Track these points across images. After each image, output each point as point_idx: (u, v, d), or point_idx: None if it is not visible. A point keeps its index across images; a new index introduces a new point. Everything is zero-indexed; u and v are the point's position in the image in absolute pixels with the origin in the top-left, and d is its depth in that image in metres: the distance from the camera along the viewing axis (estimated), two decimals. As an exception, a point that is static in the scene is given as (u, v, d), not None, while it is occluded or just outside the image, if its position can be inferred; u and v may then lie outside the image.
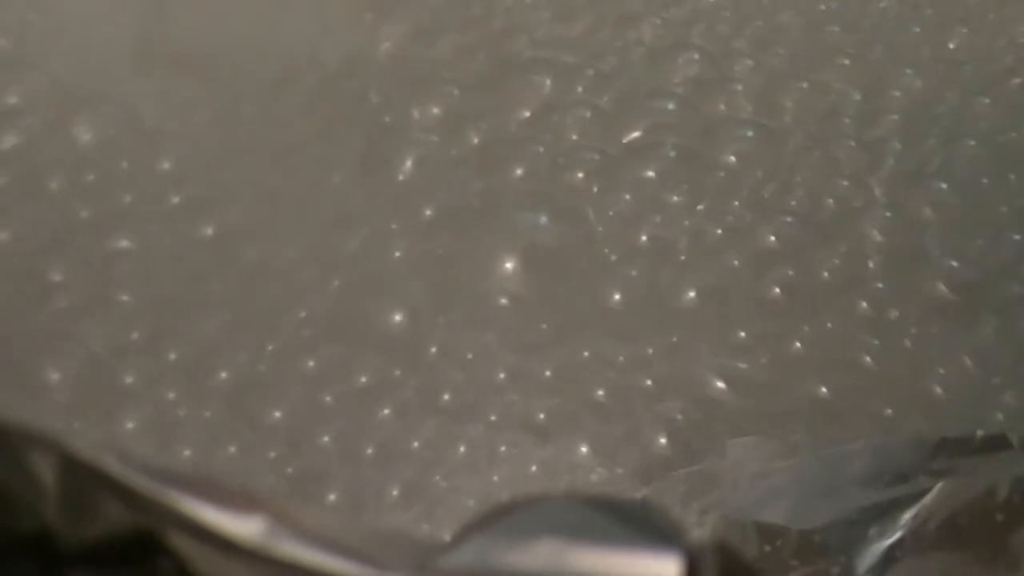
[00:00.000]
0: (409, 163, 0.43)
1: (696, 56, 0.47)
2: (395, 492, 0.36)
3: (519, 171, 0.44)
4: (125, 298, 0.40)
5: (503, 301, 0.41)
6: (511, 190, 0.43)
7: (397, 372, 0.39)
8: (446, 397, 0.39)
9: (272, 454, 0.37)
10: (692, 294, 0.42)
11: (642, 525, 0.20)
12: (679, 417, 0.39)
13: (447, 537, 0.20)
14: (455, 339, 0.40)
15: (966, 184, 0.45)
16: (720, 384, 0.39)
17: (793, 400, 0.39)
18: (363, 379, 0.39)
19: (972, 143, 0.46)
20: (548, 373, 0.40)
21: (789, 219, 0.43)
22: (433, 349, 0.40)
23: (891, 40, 0.49)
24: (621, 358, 0.40)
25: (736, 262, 0.42)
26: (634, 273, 0.42)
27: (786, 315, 0.41)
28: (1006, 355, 0.40)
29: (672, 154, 0.44)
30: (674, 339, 0.41)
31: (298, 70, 0.46)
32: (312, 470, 0.37)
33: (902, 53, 0.49)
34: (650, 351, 0.40)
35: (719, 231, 0.43)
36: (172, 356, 0.38)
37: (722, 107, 0.46)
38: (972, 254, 0.43)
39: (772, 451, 0.36)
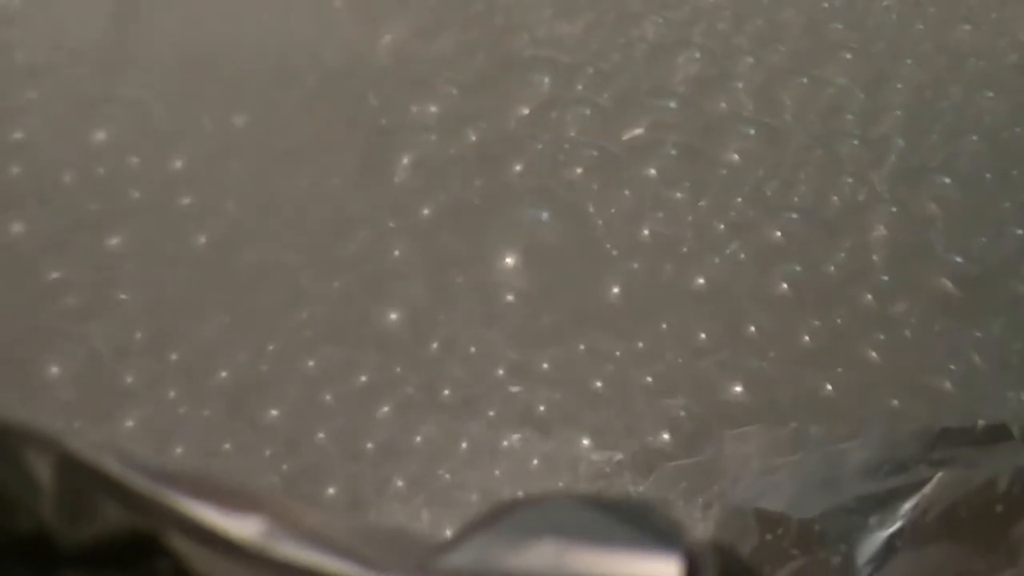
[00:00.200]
0: (408, 161, 0.43)
1: (697, 54, 0.47)
2: (399, 483, 0.36)
3: (519, 168, 0.44)
4: (124, 297, 0.40)
5: (508, 298, 0.41)
6: (511, 187, 0.43)
7: (398, 369, 0.39)
8: (446, 393, 0.39)
9: (268, 452, 0.37)
10: (696, 287, 0.42)
11: (643, 525, 0.20)
12: (682, 414, 0.39)
13: (448, 533, 0.20)
14: (457, 336, 0.40)
15: (970, 180, 0.45)
16: (728, 382, 0.39)
17: (799, 394, 0.39)
18: (363, 378, 0.39)
19: (975, 139, 0.46)
20: (548, 367, 0.40)
21: (793, 215, 0.43)
22: (434, 345, 0.40)
23: (893, 37, 0.49)
24: (619, 353, 0.40)
25: (742, 256, 0.42)
26: (636, 267, 0.42)
27: (793, 310, 0.41)
28: (1013, 350, 0.40)
29: (673, 152, 0.44)
30: (677, 334, 0.41)
31: (298, 69, 0.46)
32: (311, 467, 0.37)
33: (904, 50, 0.49)
34: (652, 345, 0.40)
35: (722, 226, 0.43)
36: (173, 356, 0.39)
37: (723, 105, 0.46)
38: (976, 250, 0.43)
39: (773, 442, 0.36)
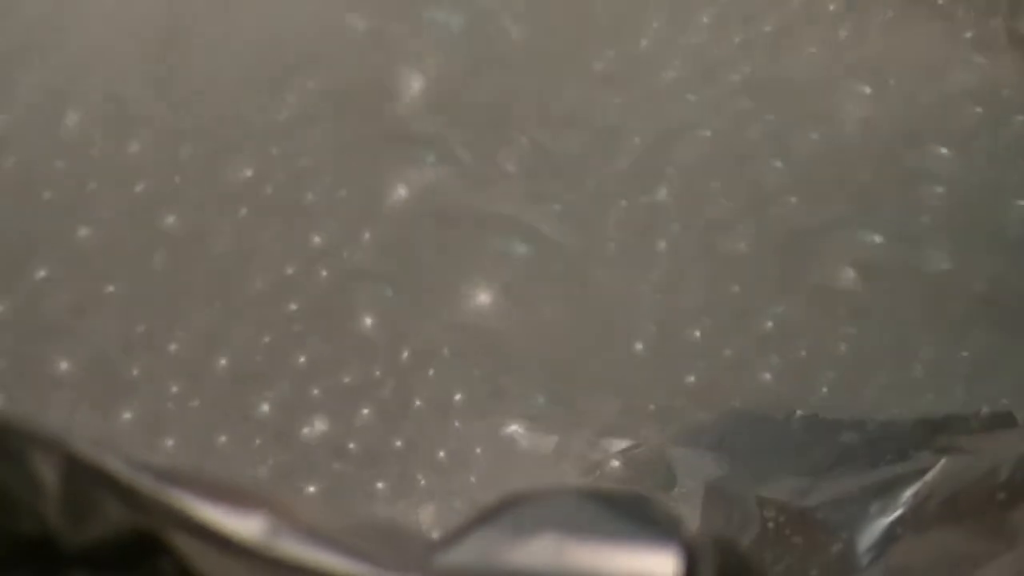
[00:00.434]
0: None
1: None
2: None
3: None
4: (111, 290, 0.40)
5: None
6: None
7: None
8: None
9: (258, 441, 0.37)
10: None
11: (641, 518, 0.20)
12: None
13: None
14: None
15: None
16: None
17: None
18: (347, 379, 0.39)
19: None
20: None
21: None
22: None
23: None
24: (618, 351, 0.40)
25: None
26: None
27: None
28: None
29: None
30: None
31: (281, 56, 0.45)
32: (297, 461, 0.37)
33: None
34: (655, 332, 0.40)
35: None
36: (172, 346, 0.39)
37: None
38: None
39: (773, 426, 0.36)
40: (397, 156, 0.43)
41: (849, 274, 0.42)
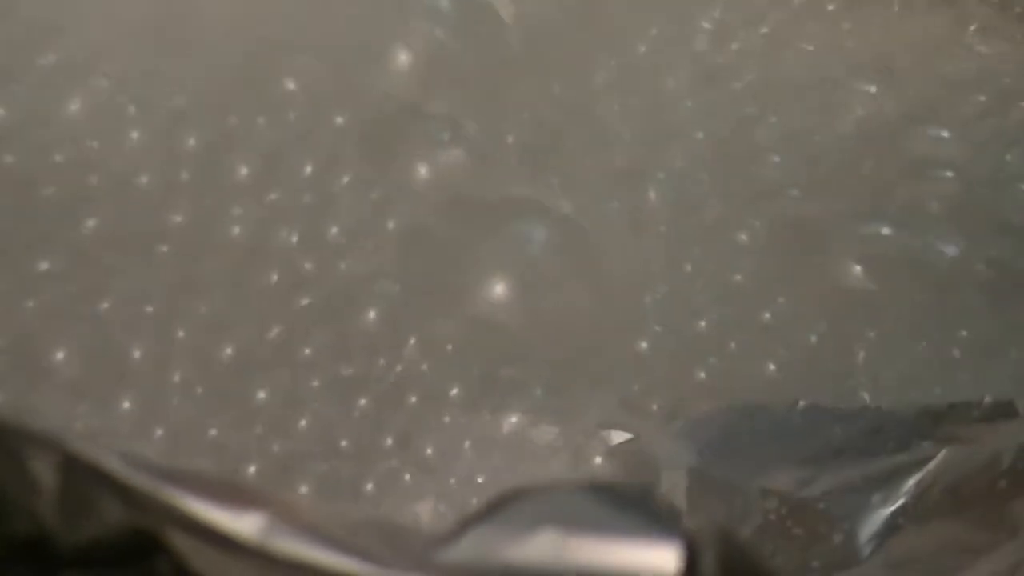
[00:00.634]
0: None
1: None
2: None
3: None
4: (120, 280, 0.39)
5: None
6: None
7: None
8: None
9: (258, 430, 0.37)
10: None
11: (642, 512, 0.20)
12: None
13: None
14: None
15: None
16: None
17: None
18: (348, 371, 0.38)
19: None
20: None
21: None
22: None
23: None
24: (618, 349, 0.39)
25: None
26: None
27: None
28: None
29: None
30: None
31: (285, 55, 0.45)
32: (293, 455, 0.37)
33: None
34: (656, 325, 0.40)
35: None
36: (180, 333, 0.38)
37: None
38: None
39: (774, 416, 0.36)
40: (408, 139, 0.43)
41: (854, 264, 0.41)
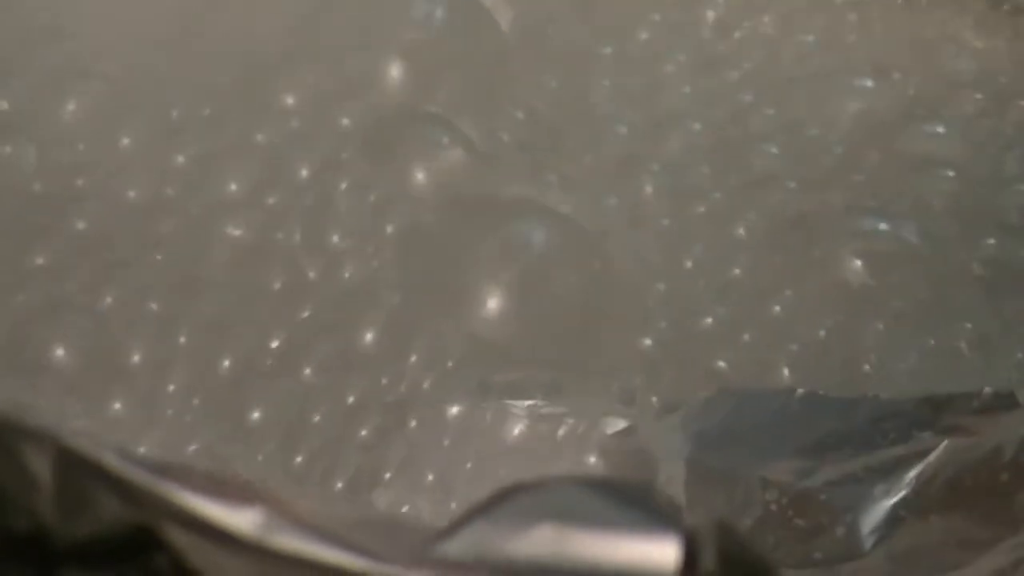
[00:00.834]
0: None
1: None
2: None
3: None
4: (126, 282, 0.39)
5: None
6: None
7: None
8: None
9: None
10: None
11: (641, 507, 0.19)
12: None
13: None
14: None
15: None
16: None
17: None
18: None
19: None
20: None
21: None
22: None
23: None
24: (621, 346, 0.39)
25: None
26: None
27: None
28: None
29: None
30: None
31: (278, 52, 0.45)
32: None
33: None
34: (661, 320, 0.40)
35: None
36: (181, 339, 0.38)
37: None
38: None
39: (773, 406, 0.36)
40: (409, 142, 0.43)
41: (854, 259, 0.41)
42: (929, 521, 0.32)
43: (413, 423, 0.37)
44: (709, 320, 0.40)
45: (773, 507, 0.34)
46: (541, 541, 0.19)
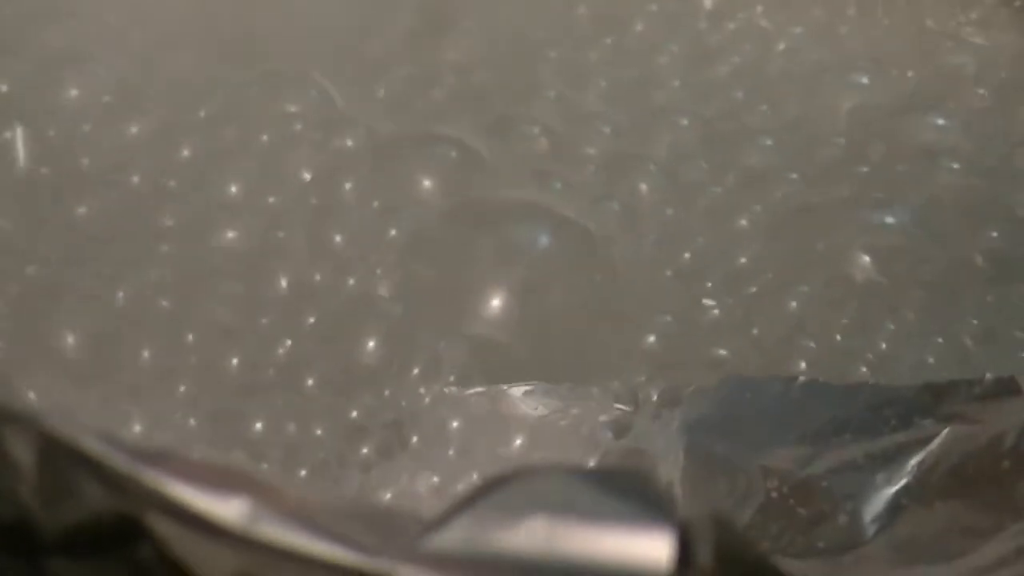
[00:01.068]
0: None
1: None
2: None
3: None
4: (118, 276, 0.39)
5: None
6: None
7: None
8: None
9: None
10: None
11: (635, 498, 0.19)
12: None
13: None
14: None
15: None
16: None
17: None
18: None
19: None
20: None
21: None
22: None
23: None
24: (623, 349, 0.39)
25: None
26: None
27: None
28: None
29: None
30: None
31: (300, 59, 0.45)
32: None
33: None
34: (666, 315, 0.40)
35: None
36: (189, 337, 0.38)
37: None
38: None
39: (773, 392, 0.36)
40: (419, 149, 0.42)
41: (858, 251, 0.41)
42: (931, 509, 0.32)
43: (415, 437, 0.37)
44: (715, 314, 0.40)
45: (774, 494, 0.33)
46: (532, 534, 0.19)
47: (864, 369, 0.38)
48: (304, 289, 0.39)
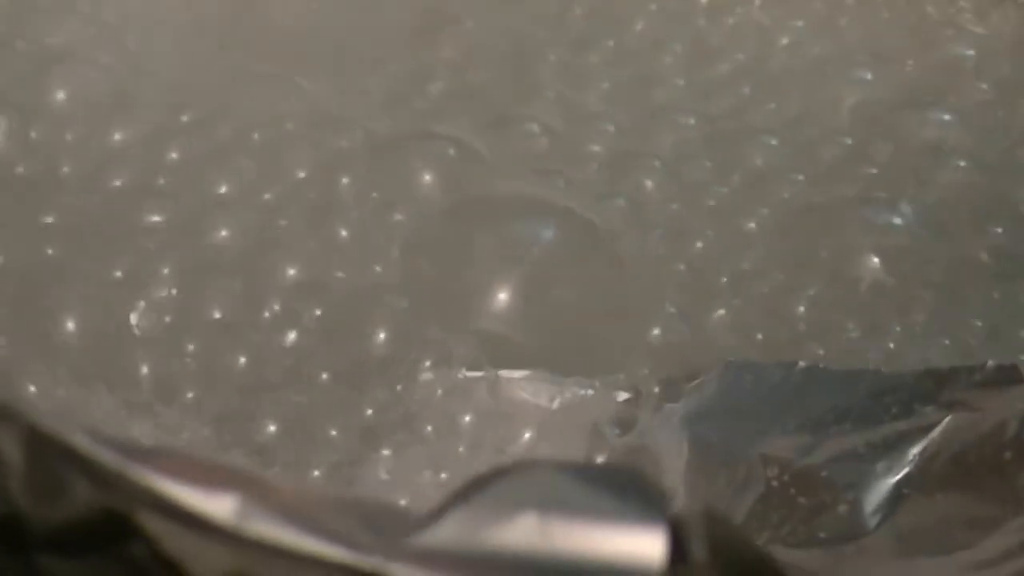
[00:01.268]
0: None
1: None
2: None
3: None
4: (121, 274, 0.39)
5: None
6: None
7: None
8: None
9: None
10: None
11: (628, 495, 0.19)
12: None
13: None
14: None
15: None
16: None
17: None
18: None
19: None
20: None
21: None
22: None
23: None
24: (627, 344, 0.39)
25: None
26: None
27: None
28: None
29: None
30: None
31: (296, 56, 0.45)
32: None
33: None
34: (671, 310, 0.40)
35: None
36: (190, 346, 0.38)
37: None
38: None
39: (773, 380, 0.35)
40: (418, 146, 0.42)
41: (869, 254, 0.41)
42: (933, 499, 0.32)
43: (428, 428, 0.37)
44: (720, 312, 0.40)
45: (774, 483, 0.33)
46: (524, 531, 0.19)
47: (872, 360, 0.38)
48: (304, 288, 0.39)
